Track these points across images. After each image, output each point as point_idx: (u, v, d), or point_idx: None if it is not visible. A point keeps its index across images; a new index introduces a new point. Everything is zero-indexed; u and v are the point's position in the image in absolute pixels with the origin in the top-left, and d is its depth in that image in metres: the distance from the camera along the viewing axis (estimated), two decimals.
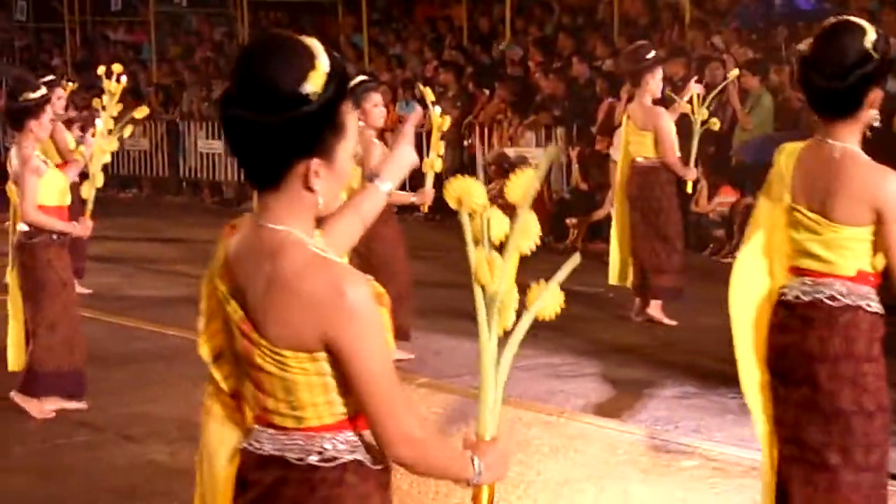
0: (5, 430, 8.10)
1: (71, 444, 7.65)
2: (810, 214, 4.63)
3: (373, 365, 2.91)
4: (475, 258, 3.04)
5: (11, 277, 8.32)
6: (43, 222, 8.00)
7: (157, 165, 23.53)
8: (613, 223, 10.74)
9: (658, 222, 10.36)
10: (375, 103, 9.11)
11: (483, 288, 3.05)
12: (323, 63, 2.89)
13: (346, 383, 2.94)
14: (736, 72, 11.82)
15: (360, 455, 3.04)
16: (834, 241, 4.61)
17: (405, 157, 3.65)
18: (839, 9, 15.78)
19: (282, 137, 2.89)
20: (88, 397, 8.31)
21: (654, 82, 10.36)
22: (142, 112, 9.89)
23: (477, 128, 17.87)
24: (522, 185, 3.07)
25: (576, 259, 3.11)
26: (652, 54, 10.47)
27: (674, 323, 10.40)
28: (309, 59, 2.89)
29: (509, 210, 3.08)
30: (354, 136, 3.03)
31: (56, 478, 7.19)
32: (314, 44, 2.93)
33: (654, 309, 10.45)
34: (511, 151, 16.94)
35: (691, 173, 10.55)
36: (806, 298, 4.68)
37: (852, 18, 4.61)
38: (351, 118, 3.00)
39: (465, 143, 18.06)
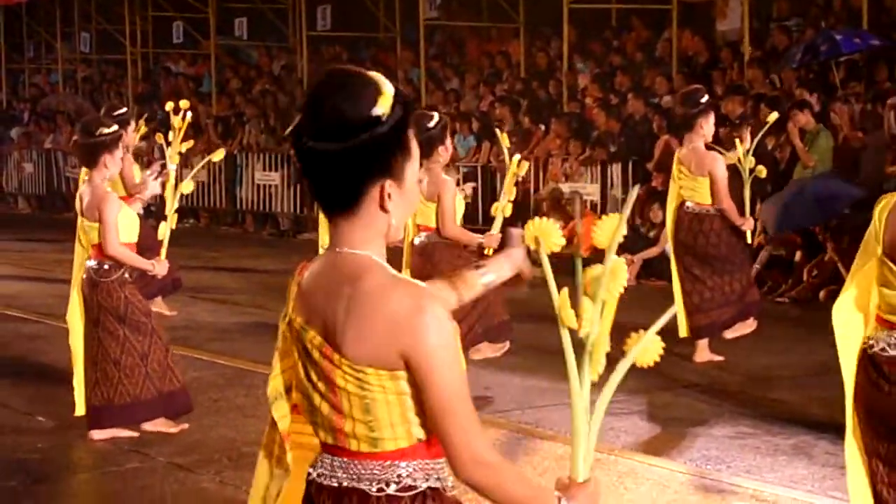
0: (66, 458, 8.16)
1: (122, 472, 7.67)
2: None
3: (448, 382, 2.95)
4: (559, 299, 3.04)
5: (76, 316, 8.41)
6: (127, 256, 8.10)
7: (215, 196, 23.67)
8: (674, 272, 10.57)
9: (714, 268, 10.25)
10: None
11: (571, 332, 3.05)
12: (388, 89, 3.00)
13: (423, 402, 2.97)
14: (775, 115, 11.56)
15: (434, 482, 3.06)
16: None
17: (515, 258, 3.74)
18: (891, 47, 15.78)
19: (357, 161, 2.98)
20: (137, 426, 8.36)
21: (708, 127, 10.25)
22: (219, 155, 10.00)
23: (532, 162, 17.85)
24: (609, 229, 3.07)
25: (673, 309, 3.16)
26: (706, 98, 10.36)
27: (720, 358, 10.33)
28: (375, 86, 3.00)
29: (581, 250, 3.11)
30: (417, 159, 3.11)
31: None
32: (376, 74, 3.05)
33: (701, 348, 10.38)
34: (566, 187, 16.94)
35: (748, 223, 10.37)
36: (893, 352, 4.60)
37: None
38: (414, 142, 3.09)
39: (519, 178, 18.04)
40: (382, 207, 3.02)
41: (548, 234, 3.11)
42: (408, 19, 24.03)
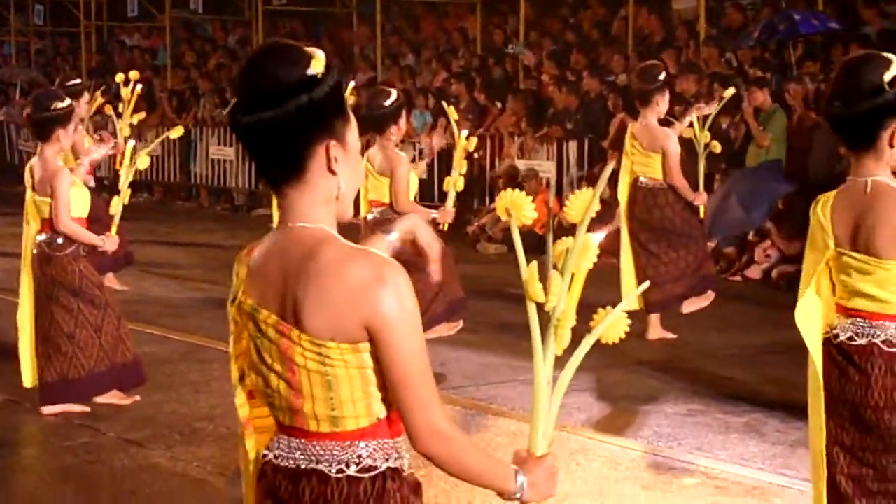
0: (16, 433, 8.11)
1: (73, 447, 7.62)
2: (857, 256, 4.55)
3: (409, 352, 2.94)
4: (527, 272, 3.02)
5: (25, 290, 8.35)
6: (77, 232, 8.05)
7: (169, 171, 23.56)
8: (624, 247, 10.59)
9: (670, 243, 10.27)
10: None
11: (537, 305, 3.03)
12: (320, 54, 2.99)
13: (384, 375, 2.96)
14: (732, 90, 11.61)
15: (394, 462, 3.04)
16: (886, 280, 4.52)
17: (421, 216, 3.84)
18: (847, 30, 15.83)
19: (299, 123, 2.96)
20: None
21: (663, 103, 10.28)
22: (177, 132, 9.92)
23: (488, 140, 17.83)
24: (581, 204, 3.07)
25: (645, 285, 3.46)
26: (663, 75, 10.38)
27: (673, 336, 10.37)
28: (305, 53, 2.99)
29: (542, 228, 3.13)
30: (355, 126, 3.09)
31: (58, 480, 7.18)
32: (302, 46, 3.04)
33: (653, 325, 10.41)
34: (521, 164, 16.93)
35: (701, 198, 10.43)
36: (860, 341, 4.62)
37: (879, 53, 4.57)
38: (349, 110, 3.09)
39: (475, 155, 18.05)
40: (330, 169, 3.00)
41: (519, 206, 3.06)
42: None
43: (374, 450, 3.02)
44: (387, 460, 3.03)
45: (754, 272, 13.58)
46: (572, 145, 16.88)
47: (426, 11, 24.69)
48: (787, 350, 10.05)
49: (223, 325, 10.32)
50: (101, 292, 8.23)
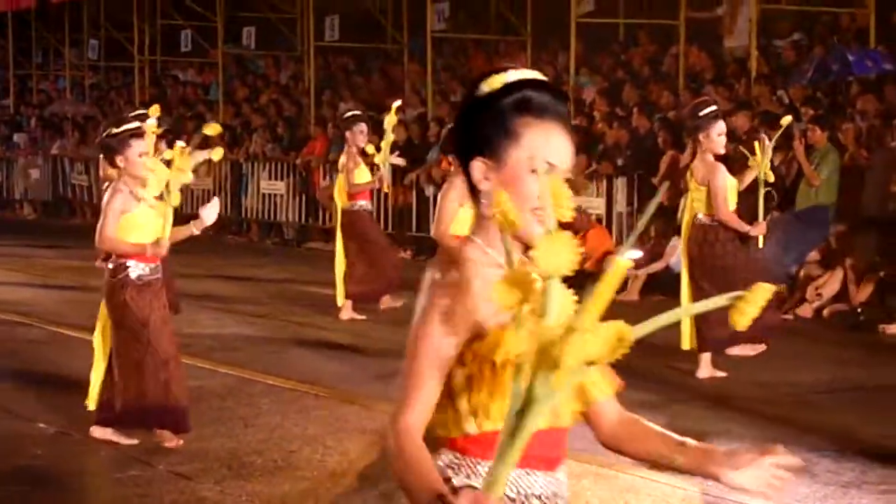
0: (68, 464, 8.10)
1: (124, 479, 7.63)
2: None
3: (412, 339, 2.86)
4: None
5: (100, 315, 8.36)
6: (114, 247, 8.01)
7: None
8: (682, 285, 10.56)
9: (724, 281, 10.15)
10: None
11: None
12: (507, 74, 2.87)
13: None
14: (789, 118, 11.62)
15: (460, 481, 2.86)
16: None
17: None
18: None
19: (457, 136, 2.94)
20: (142, 433, 8.31)
21: (716, 137, 10.23)
22: (217, 154, 9.91)
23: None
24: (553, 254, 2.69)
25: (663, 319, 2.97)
26: (711, 109, 10.37)
27: (724, 374, 10.30)
28: (497, 71, 2.90)
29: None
30: (537, 148, 2.84)
31: None
32: (518, 67, 2.92)
33: (704, 363, 10.34)
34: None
35: (758, 229, 10.36)
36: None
37: None
38: (535, 130, 2.85)
39: None
40: (474, 185, 2.94)
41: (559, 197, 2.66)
42: (415, 31, 24.04)
43: (443, 462, 2.90)
44: (456, 476, 2.88)
45: (806, 311, 13.48)
46: (621, 182, 16.84)
47: (476, 48, 24.73)
48: (838, 390, 9.98)
49: (272, 358, 10.37)
50: (144, 328, 7.98)
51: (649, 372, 10.26)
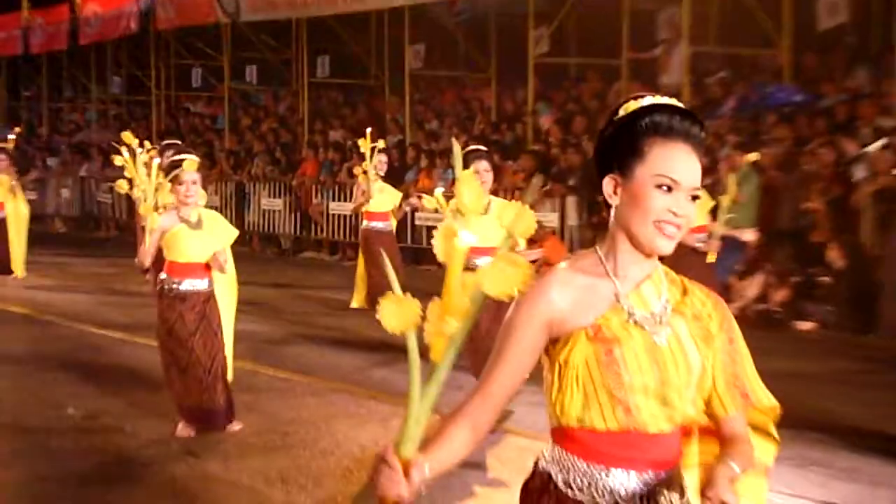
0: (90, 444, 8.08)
1: (141, 457, 7.59)
2: None
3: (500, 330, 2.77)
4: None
5: None
6: (141, 258, 7.97)
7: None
8: None
9: None
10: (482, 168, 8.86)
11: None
12: (642, 100, 2.78)
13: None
14: (756, 155, 11.70)
15: (548, 466, 2.80)
16: None
17: None
18: (811, 102, 15.86)
19: (596, 156, 2.83)
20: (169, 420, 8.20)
21: None
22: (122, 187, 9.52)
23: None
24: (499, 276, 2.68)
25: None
26: None
27: None
28: (635, 98, 2.82)
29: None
30: (660, 166, 2.69)
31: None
32: (654, 97, 2.82)
33: None
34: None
35: (713, 245, 10.06)
36: None
37: None
38: (660, 149, 2.70)
39: None
40: (605, 201, 2.81)
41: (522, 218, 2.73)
42: (395, 69, 24.06)
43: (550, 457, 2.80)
44: (547, 464, 2.80)
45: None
46: (572, 199, 16.87)
47: (447, 83, 24.78)
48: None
49: (272, 352, 10.17)
50: (168, 337, 7.81)
51: None
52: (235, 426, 8.06)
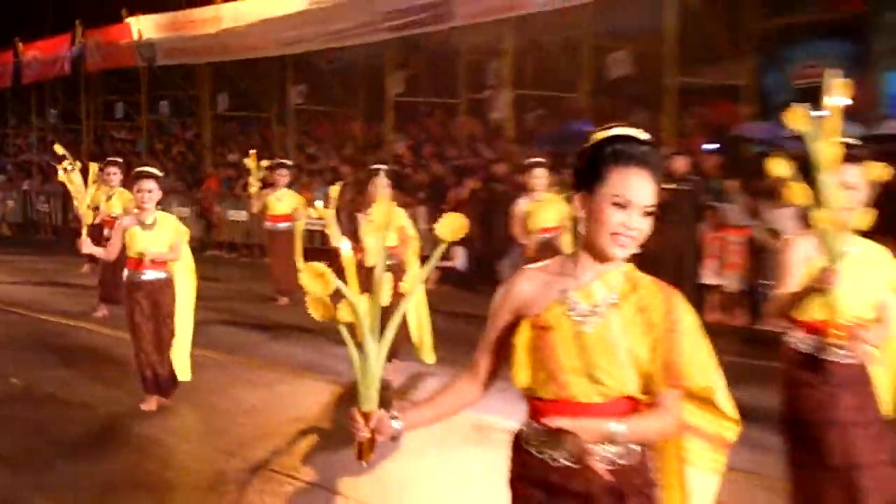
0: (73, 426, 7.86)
1: (127, 437, 7.40)
2: None
3: None
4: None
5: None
6: (106, 253, 7.78)
7: None
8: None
9: None
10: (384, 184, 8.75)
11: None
12: (610, 131, 2.63)
13: None
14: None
15: (522, 431, 2.75)
16: None
17: None
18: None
19: (573, 175, 2.69)
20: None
21: (534, 177, 9.93)
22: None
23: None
24: (451, 225, 2.83)
25: (442, 247, 2.86)
26: (533, 160, 10.14)
27: None
28: (605, 128, 2.67)
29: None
30: (616, 187, 2.57)
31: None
32: (624, 128, 2.65)
33: None
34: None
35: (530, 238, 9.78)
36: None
37: None
38: (617, 173, 2.58)
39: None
40: (575, 214, 2.71)
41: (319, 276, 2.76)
42: (282, 104, 23.94)
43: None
44: (522, 424, 2.77)
45: None
46: (422, 209, 16.97)
47: (324, 117, 24.69)
48: None
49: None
50: (140, 319, 7.52)
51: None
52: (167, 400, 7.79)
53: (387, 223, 3.01)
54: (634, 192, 2.56)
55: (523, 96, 19.39)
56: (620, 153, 2.57)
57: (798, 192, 3.84)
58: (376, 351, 2.77)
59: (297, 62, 22.70)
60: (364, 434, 2.69)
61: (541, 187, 10.01)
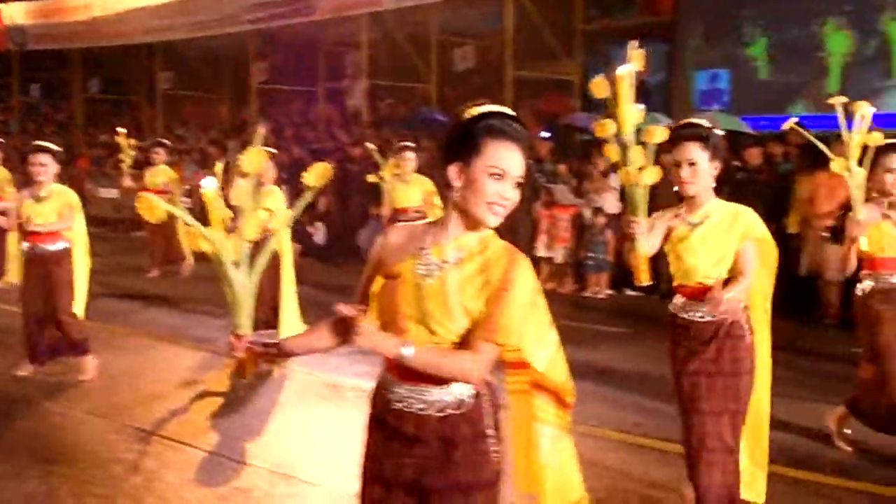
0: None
1: (50, 411, 7.05)
2: None
3: None
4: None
5: None
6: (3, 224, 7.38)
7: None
8: None
9: None
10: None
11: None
12: (483, 107, 2.56)
13: None
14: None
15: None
16: None
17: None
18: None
19: (443, 146, 2.59)
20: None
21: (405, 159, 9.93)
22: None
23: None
24: (316, 171, 3.00)
25: (309, 193, 2.86)
26: (403, 144, 10.08)
27: None
28: (477, 105, 2.59)
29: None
30: (493, 159, 2.52)
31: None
32: (493, 106, 2.58)
33: None
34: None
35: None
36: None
37: None
38: (494, 146, 2.52)
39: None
40: (449, 184, 2.61)
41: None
42: (151, 89, 23.24)
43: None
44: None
45: None
46: (284, 188, 16.73)
47: (192, 101, 24.09)
48: None
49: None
50: (31, 289, 7.14)
51: None
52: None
53: (256, 169, 3.08)
54: (509, 163, 2.52)
55: (377, 86, 19.35)
56: (497, 128, 2.53)
57: (612, 152, 3.94)
58: (242, 280, 2.83)
59: (166, 49, 22.05)
60: (240, 353, 2.73)
61: (409, 169, 10.08)
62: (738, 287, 3.86)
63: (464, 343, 2.52)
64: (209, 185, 2.85)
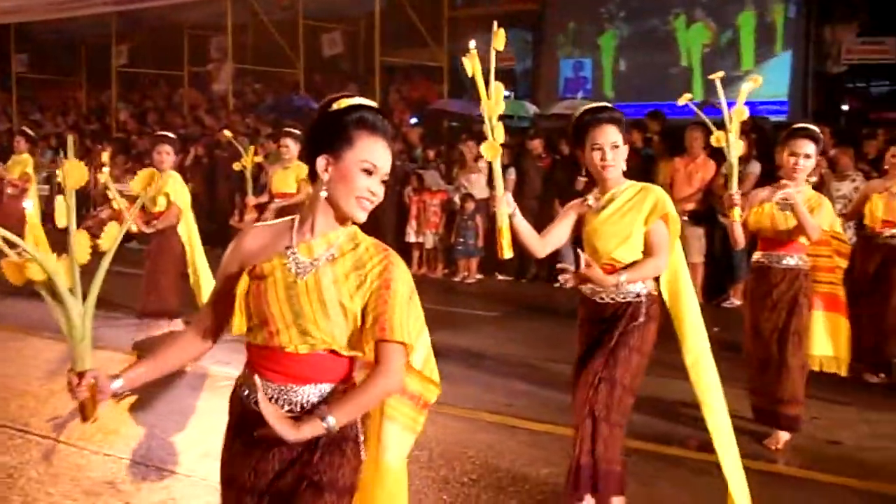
0: None
1: None
2: None
3: None
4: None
5: None
6: None
7: None
8: None
9: None
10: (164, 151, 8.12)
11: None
12: (352, 100, 2.49)
13: None
14: None
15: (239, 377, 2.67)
16: None
17: None
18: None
19: (310, 137, 2.51)
20: None
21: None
22: None
23: (93, 171, 16.92)
24: (141, 178, 2.81)
25: (140, 201, 2.66)
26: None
27: None
28: (346, 97, 2.52)
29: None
30: (365, 153, 2.47)
31: None
32: (362, 99, 2.52)
33: None
34: (117, 186, 16.18)
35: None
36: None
37: None
38: (366, 140, 2.47)
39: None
40: (318, 175, 2.53)
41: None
42: (4, 71, 22.24)
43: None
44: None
45: None
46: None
47: (48, 84, 23.17)
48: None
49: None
50: None
51: None
52: None
53: (77, 184, 2.55)
54: (379, 159, 2.48)
55: (244, 70, 19.04)
56: (370, 122, 2.48)
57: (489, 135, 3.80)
58: (80, 309, 2.48)
59: (20, 31, 21.08)
60: (83, 393, 2.44)
61: (289, 154, 9.97)
62: (638, 269, 3.91)
63: (339, 348, 2.46)
64: (30, 208, 2.59)
